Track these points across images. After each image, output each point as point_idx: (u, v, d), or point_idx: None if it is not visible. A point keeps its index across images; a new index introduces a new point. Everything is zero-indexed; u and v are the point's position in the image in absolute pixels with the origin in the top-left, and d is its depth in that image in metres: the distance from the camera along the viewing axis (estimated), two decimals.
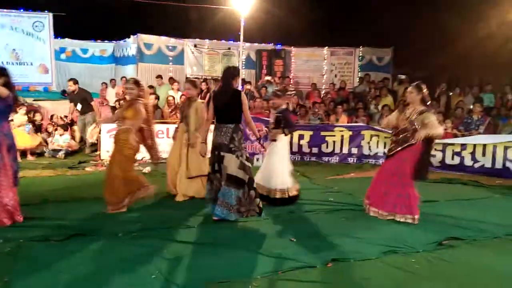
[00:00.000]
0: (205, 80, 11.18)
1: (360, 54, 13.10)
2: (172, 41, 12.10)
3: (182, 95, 9.76)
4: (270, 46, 12.72)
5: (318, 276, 3.31)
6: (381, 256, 3.71)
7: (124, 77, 11.38)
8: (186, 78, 5.62)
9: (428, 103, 4.76)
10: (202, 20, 14.95)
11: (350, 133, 8.17)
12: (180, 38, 12.31)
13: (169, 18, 15.04)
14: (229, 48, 12.37)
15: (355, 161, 8.15)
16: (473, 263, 3.65)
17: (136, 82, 4.90)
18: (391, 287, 3.19)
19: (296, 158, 8.31)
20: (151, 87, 10.54)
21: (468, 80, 16.26)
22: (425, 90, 4.74)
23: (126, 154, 4.74)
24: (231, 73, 4.65)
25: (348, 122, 8.99)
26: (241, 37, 8.45)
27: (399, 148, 4.70)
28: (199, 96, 10.23)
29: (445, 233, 4.28)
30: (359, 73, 12.98)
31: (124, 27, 13.53)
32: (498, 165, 7.14)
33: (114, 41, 12.90)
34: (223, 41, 12.49)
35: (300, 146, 8.31)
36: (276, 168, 5.19)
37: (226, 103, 4.52)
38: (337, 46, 13.17)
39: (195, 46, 12.19)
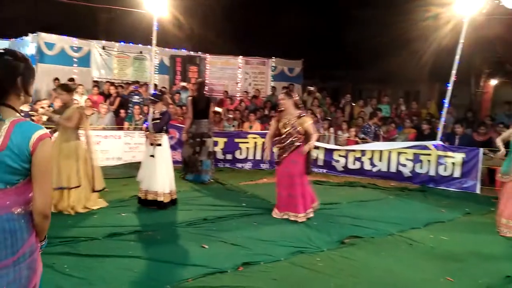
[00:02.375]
0: (113, 84, 10.65)
1: (273, 65, 13.59)
2: (77, 41, 11.32)
3: (88, 99, 9.19)
4: (184, 52, 12.57)
5: (229, 280, 3.33)
6: (289, 257, 3.88)
7: None
8: (61, 84, 5.33)
9: (300, 106, 5.24)
10: (112, 21, 14.26)
11: (263, 140, 8.39)
12: (87, 39, 11.57)
13: (74, 18, 14.09)
14: (140, 52, 11.93)
15: (267, 167, 8.38)
16: (370, 259, 3.98)
17: None
18: (297, 285, 3.34)
19: None
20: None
21: (369, 92, 17.87)
22: (295, 95, 5.25)
23: None
24: (204, 84, 7.51)
25: (261, 129, 9.23)
26: (154, 41, 8.19)
27: (287, 153, 5.06)
28: (108, 102, 9.74)
29: (346, 232, 4.62)
30: (272, 83, 13.45)
31: (21, 25, 12.32)
32: (392, 169, 7.90)
33: (9, 39, 11.65)
34: (135, 44, 12.02)
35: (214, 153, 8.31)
36: (164, 171, 5.26)
37: (203, 105, 6.79)
38: (251, 56, 13.51)
39: (103, 48, 11.53)
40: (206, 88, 11.59)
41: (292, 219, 5.00)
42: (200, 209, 5.27)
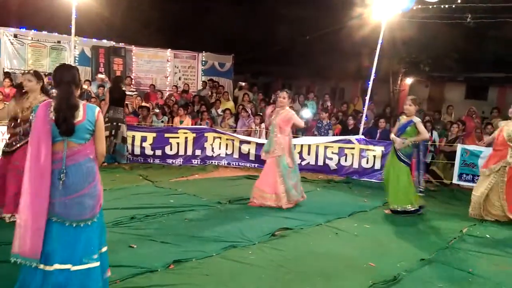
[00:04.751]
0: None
1: (203, 59, 13.42)
2: None
3: None
4: (108, 43, 11.89)
5: (159, 279, 3.23)
6: (221, 252, 3.85)
7: None
8: None
9: (49, 93, 4.69)
10: (25, 7, 13.03)
11: (194, 135, 8.25)
12: None
13: None
14: (58, 42, 11.06)
15: (199, 162, 8.26)
16: (299, 249, 4.11)
17: None
18: (229, 279, 3.33)
19: (139, 160, 8.00)
20: None
21: (298, 88, 18.44)
22: (45, 79, 4.88)
23: None
24: (119, 80, 8.63)
25: (192, 125, 9.06)
26: (73, 30, 7.61)
27: (22, 143, 4.26)
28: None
29: (277, 225, 4.70)
30: (203, 77, 13.28)
31: None
32: (320, 162, 8.22)
33: None
34: (52, 33, 11.10)
35: (143, 149, 8.00)
36: None
37: (118, 96, 7.78)
38: (181, 49, 13.20)
39: (15, 36, 10.51)
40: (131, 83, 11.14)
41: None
42: (127, 208, 5.02)
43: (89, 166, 2.63)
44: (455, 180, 7.55)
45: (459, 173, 7.47)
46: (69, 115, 2.51)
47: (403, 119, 5.68)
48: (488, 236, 4.86)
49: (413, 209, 5.51)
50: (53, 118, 2.51)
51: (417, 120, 5.47)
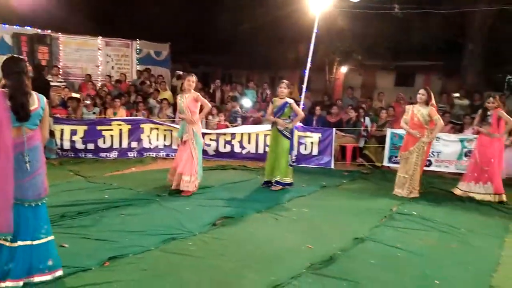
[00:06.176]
0: None
1: (138, 47, 12.88)
2: None
3: None
4: (31, 30, 10.97)
5: (93, 278, 3.08)
6: (160, 245, 3.77)
7: None
8: None
9: None
10: None
11: (129, 126, 7.94)
12: None
13: None
14: None
15: (135, 155, 7.97)
16: (240, 236, 4.13)
17: None
18: (167, 272, 3.26)
19: (69, 155, 7.54)
20: None
21: (238, 78, 18.41)
22: None
23: None
24: (41, 67, 8.39)
25: (127, 116, 8.70)
26: None
27: None
28: None
29: (218, 214, 4.70)
30: (138, 66, 12.76)
31: None
32: (260, 150, 8.30)
33: None
34: None
35: (73, 143, 7.55)
36: None
37: (43, 85, 7.35)
38: (112, 37, 12.54)
39: None
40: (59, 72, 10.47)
41: None
42: (58, 206, 4.67)
43: (40, 150, 2.97)
44: (385, 163, 8.02)
45: (389, 155, 7.94)
46: (25, 102, 2.79)
47: (277, 101, 6.13)
48: (415, 213, 5.22)
49: (289, 182, 6.17)
50: (10, 105, 2.72)
51: (291, 101, 6.03)
